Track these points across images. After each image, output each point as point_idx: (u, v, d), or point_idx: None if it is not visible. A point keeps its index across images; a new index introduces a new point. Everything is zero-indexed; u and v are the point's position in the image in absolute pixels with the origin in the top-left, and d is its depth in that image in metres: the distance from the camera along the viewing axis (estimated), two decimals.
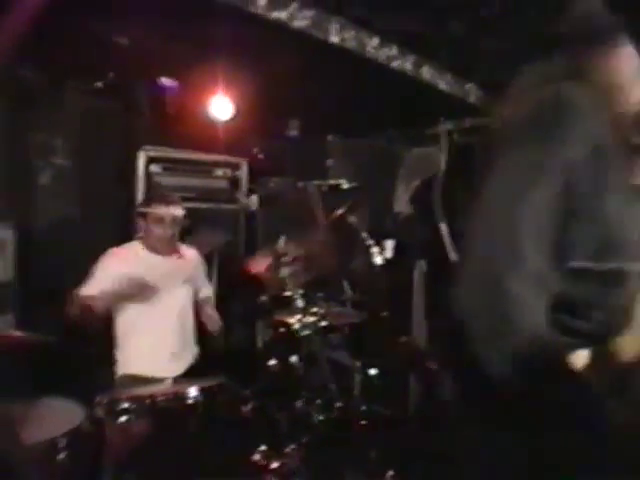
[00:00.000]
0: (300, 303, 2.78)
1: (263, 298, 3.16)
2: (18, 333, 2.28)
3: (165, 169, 3.80)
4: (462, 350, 1.04)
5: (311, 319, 2.75)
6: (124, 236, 3.15)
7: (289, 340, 2.85)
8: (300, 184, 4.06)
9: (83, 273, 2.72)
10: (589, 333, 1.11)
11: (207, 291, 3.16)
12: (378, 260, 2.77)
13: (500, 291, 0.98)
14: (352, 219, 2.92)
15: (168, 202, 2.84)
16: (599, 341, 1.11)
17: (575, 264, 1.07)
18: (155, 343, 2.77)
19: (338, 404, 2.80)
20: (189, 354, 2.93)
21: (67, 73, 3.42)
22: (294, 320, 2.79)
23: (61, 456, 1.87)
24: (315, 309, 2.85)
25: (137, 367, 2.73)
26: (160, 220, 2.81)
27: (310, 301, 2.88)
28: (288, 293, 2.82)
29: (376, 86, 3.49)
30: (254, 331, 3.94)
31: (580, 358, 1.07)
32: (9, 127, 3.22)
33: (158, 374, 2.65)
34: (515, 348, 0.98)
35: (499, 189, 1.07)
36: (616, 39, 1.17)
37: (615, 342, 1.13)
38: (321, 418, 2.74)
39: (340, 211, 3.01)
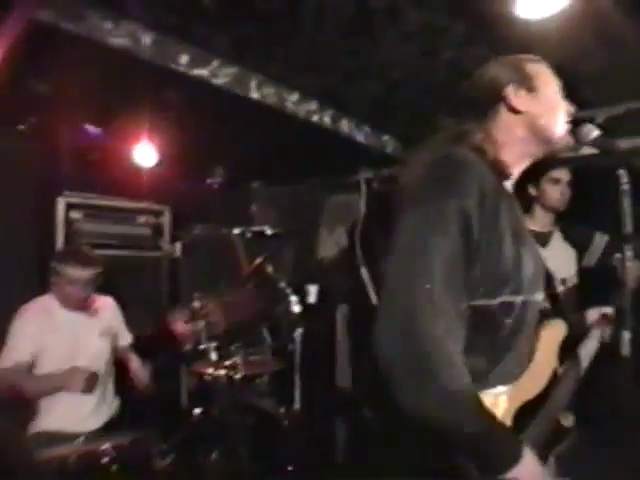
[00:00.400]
0: (214, 356, 2.80)
1: (185, 349, 3.15)
2: None
3: (86, 216, 3.74)
4: (384, 393, 1.10)
5: (222, 372, 2.76)
6: (42, 286, 3.06)
7: (209, 390, 2.84)
8: (224, 231, 4.10)
9: None
10: (490, 374, 1.21)
11: (126, 339, 3.11)
12: (296, 308, 2.84)
13: (420, 338, 1.05)
14: (269, 269, 2.98)
15: (83, 263, 2.71)
16: (505, 382, 1.22)
17: (476, 303, 1.17)
18: (75, 398, 2.66)
19: (261, 450, 2.82)
20: (109, 407, 2.87)
21: None
22: (208, 372, 2.80)
23: None
24: (229, 361, 2.86)
25: (56, 423, 2.63)
26: (73, 282, 2.70)
27: (225, 352, 2.90)
28: (203, 346, 2.82)
29: (297, 138, 3.62)
30: (178, 381, 3.89)
31: (488, 398, 1.16)
32: None
33: (77, 429, 2.58)
34: (436, 392, 1.04)
35: (410, 241, 1.15)
36: (494, 108, 1.35)
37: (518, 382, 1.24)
38: (244, 466, 2.74)
39: (259, 260, 3.06)
